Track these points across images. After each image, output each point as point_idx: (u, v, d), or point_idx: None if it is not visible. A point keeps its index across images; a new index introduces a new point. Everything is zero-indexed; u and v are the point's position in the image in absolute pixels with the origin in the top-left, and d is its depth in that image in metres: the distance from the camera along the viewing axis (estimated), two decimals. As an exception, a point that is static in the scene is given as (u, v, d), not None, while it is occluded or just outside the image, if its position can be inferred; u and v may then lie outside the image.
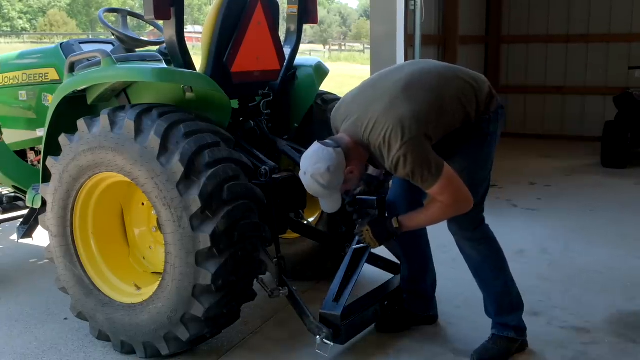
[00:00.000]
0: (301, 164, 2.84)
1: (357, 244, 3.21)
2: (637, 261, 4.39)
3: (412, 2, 5.79)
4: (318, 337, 2.99)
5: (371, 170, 3.20)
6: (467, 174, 2.82)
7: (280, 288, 3.12)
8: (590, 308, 3.63)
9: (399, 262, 3.55)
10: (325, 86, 3.89)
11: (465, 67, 3.04)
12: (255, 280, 3.06)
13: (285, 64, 3.62)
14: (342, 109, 2.93)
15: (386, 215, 3.06)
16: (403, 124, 2.64)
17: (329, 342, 2.98)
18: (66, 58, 3.63)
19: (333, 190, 2.82)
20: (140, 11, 3.81)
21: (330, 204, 2.91)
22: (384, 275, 3.67)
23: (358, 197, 3.10)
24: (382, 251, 3.61)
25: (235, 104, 3.50)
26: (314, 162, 2.76)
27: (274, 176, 3.16)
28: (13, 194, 4.36)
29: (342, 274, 3.13)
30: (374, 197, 3.07)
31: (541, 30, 9.39)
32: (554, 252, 4.63)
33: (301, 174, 2.84)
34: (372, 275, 3.73)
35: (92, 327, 3.30)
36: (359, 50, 43.55)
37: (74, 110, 3.43)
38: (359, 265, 3.17)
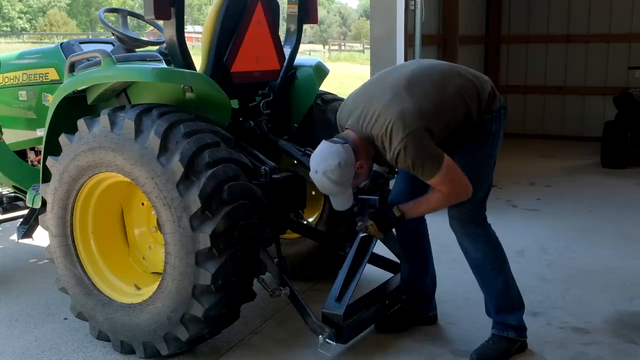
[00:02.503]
0: (311, 164, 2.87)
1: (359, 241, 3.22)
2: (637, 261, 4.39)
3: (412, 2, 5.77)
4: (320, 336, 2.99)
5: (376, 166, 3.21)
6: (470, 171, 2.85)
7: (282, 288, 3.12)
8: (589, 308, 3.63)
9: (398, 262, 3.55)
10: (325, 86, 3.90)
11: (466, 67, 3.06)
12: (256, 280, 3.07)
13: (285, 64, 3.63)
14: (347, 106, 2.98)
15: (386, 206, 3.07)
16: (405, 118, 2.69)
17: (331, 342, 2.98)
18: (66, 58, 3.63)
19: (344, 187, 2.86)
20: (140, 11, 3.81)
21: (342, 201, 2.94)
22: (384, 275, 3.67)
23: (360, 196, 3.10)
24: (382, 251, 3.62)
25: (235, 104, 3.50)
26: (324, 160, 2.80)
27: (273, 176, 3.16)
28: (13, 194, 4.36)
29: (344, 274, 3.13)
30: (376, 197, 3.08)
31: (541, 30, 9.38)
32: (554, 252, 4.63)
33: (312, 174, 2.87)
34: (372, 275, 3.73)
35: (92, 327, 3.31)
36: (358, 50, 43.42)
37: (74, 110, 3.43)
38: (361, 265, 3.17)
